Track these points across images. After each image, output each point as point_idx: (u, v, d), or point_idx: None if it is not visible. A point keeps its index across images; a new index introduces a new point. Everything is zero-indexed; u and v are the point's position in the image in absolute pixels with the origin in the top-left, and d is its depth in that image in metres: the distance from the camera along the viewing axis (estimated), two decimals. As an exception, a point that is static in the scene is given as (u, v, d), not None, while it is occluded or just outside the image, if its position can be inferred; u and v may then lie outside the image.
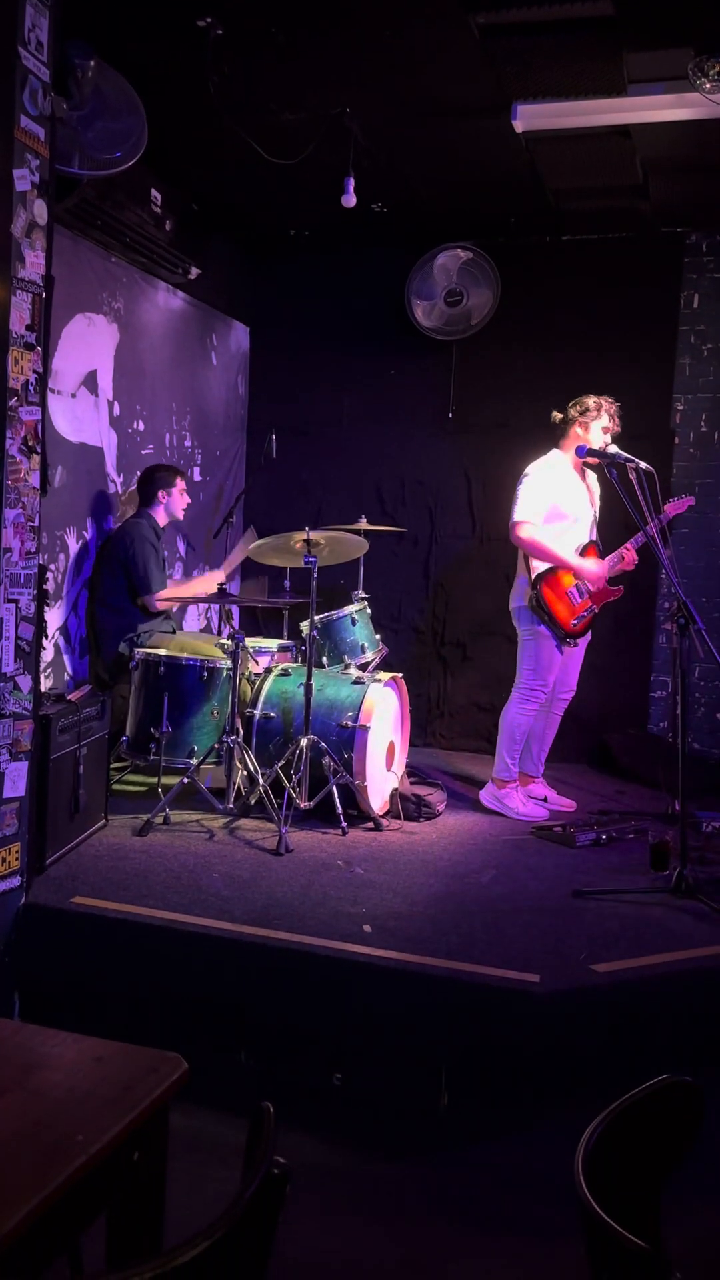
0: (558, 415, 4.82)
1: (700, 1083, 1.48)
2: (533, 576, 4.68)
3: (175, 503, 5.05)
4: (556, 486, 4.70)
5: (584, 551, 4.75)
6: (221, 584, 4.72)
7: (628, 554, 4.73)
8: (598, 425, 4.69)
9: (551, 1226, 2.50)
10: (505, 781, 4.82)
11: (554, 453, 4.79)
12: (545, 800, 5.00)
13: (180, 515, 5.13)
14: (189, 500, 5.16)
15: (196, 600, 5.23)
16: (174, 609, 5.16)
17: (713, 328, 5.78)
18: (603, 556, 4.79)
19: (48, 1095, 1.53)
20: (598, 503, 4.88)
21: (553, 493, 4.68)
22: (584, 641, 4.91)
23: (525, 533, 4.64)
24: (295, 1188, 1.31)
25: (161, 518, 5.03)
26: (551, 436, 4.87)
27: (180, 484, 5.07)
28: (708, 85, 3.74)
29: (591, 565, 4.68)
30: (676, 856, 3.80)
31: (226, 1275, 1.21)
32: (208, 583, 5.22)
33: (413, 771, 5.09)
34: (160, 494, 5.01)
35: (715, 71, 3.68)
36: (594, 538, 4.84)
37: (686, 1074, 1.48)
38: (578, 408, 4.75)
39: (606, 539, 4.91)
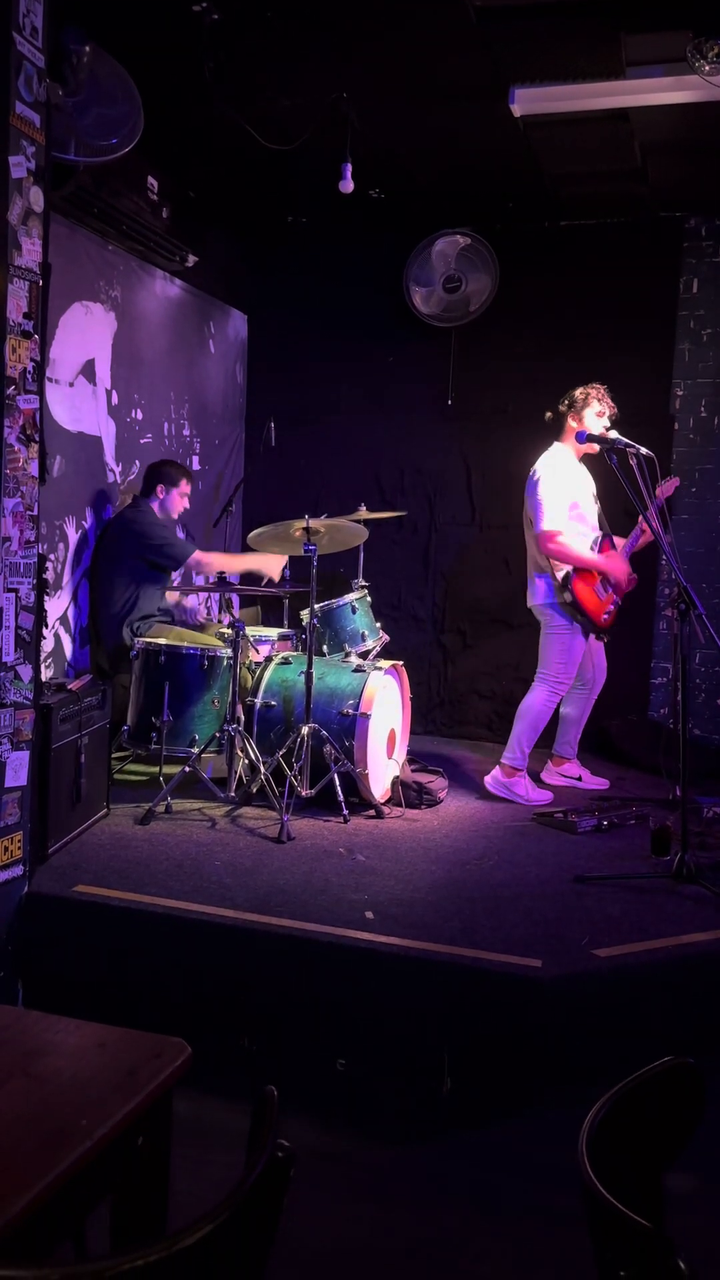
0: (550, 415, 4.83)
1: (702, 1065, 1.49)
2: (560, 577, 4.68)
3: (172, 502, 5.01)
4: (569, 482, 4.72)
5: (600, 546, 4.77)
6: (222, 574, 4.72)
7: (645, 530, 4.75)
8: (591, 413, 4.70)
9: (555, 1209, 2.51)
10: (514, 770, 4.82)
11: (556, 446, 4.80)
12: (579, 780, 5.10)
13: (174, 515, 5.09)
14: (187, 505, 5.13)
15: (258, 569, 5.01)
16: (210, 577, 4.87)
17: (712, 313, 5.76)
18: (614, 546, 4.81)
19: (52, 1081, 1.53)
20: (596, 494, 4.89)
21: (569, 490, 4.70)
22: None
23: (556, 544, 4.64)
24: (299, 1172, 1.32)
25: (157, 510, 5.02)
26: (550, 427, 4.87)
27: (184, 486, 5.02)
28: (706, 67, 3.72)
29: (617, 564, 4.70)
30: (677, 842, 3.80)
31: (231, 1258, 1.21)
32: (265, 560, 4.93)
33: (414, 759, 5.10)
34: (159, 488, 4.98)
35: (714, 53, 3.66)
36: (606, 530, 4.85)
37: (688, 1057, 1.48)
38: (566, 403, 4.77)
39: (608, 524, 4.92)
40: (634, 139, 4.63)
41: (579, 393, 4.74)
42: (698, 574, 5.76)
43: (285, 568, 5.08)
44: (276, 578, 5.00)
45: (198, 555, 4.84)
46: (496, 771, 4.88)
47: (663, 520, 4.33)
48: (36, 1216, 1.27)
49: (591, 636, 4.82)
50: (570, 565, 4.67)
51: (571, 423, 4.74)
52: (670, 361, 5.82)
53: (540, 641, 4.85)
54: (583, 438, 4.57)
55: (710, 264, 5.74)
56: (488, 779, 4.89)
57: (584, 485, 4.79)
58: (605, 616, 4.71)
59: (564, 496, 4.67)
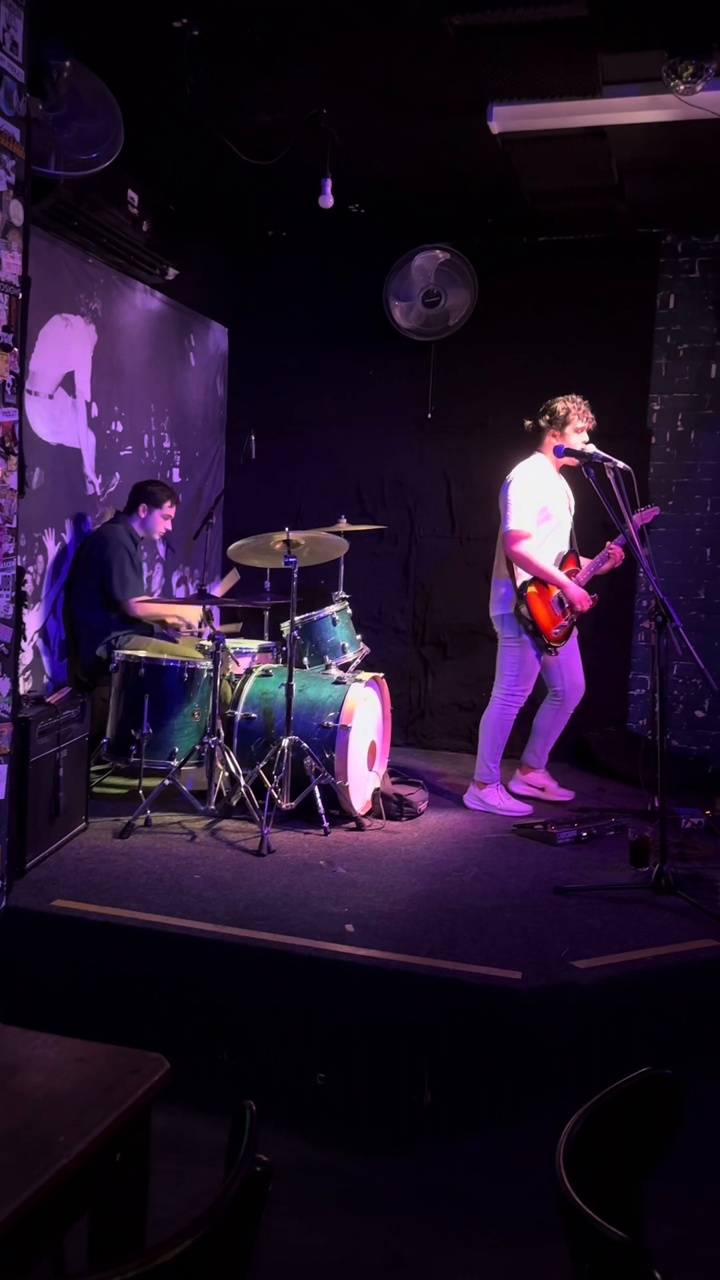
0: (529, 423, 4.85)
1: (680, 1076, 1.50)
2: (518, 585, 4.70)
3: (153, 522, 5.02)
4: (542, 488, 4.75)
5: (564, 561, 4.79)
6: (203, 588, 4.72)
7: (614, 551, 4.73)
8: (570, 429, 4.71)
9: (534, 1220, 2.51)
10: (484, 783, 4.86)
11: (536, 456, 4.83)
12: (544, 790, 5.07)
13: (156, 535, 5.12)
14: (169, 528, 5.14)
15: (177, 618, 5.18)
16: (152, 621, 5.10)
17: (688, 328, 5.82)
18: (579, 564, 4.83)
19: (29, 1097, 1.53)
20: (573, 508, 4.91)
21: (540, 494, 4.73)
22: (574, 637, 4.96)
23: (521, 547, 4.66)
24: (278, 1186, 1.32)
25: (138, 529, 5.02)
26: (528, 436, 4.90)
27: (168, 508, 5.03)
28: (681, 87, 3.77)
29: (573, 585, 4.70)
30: (656, 853, 3.82)
31: (209, 1273, 1.21)
32: (191, 611, 5.16)
33: (394, 771, 5.10)
34: (141, 507, 4.99)
35: (688, 73, 3.70)
36: (573, 546, 4.87)
37: (667, 1068, 1.49)
38: (547, 417, 4.77)
39: (584, 539, 4.94)
40: (611, 156, 4.68)
41: (560, 408, 4.74)
42: (674, 586, 5.80)
43: (203, 620, 5.15)
44: (196, 626, 5.13)
45: (133, 602, 4.86)
46: (471, 787, 4.93)
47: (640, 534, 4.35)
48: (14, 1233, 1.26)
49: (562, 648, 4.84)
50: (530, 574, 4.69)
51: (551, 437, 4.76)
52: (648, 376, 5.87)
53: (497, 654, 4.87)
54: (560, 451, 4.59)
55: (686, 280, 5.81)
56: (465, 796, 4.93)
57: (560, 497, 4.82)
58: (556, 632, 4.71)
59: (535, 501, 4.70)
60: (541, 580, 4.69)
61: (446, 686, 6.26)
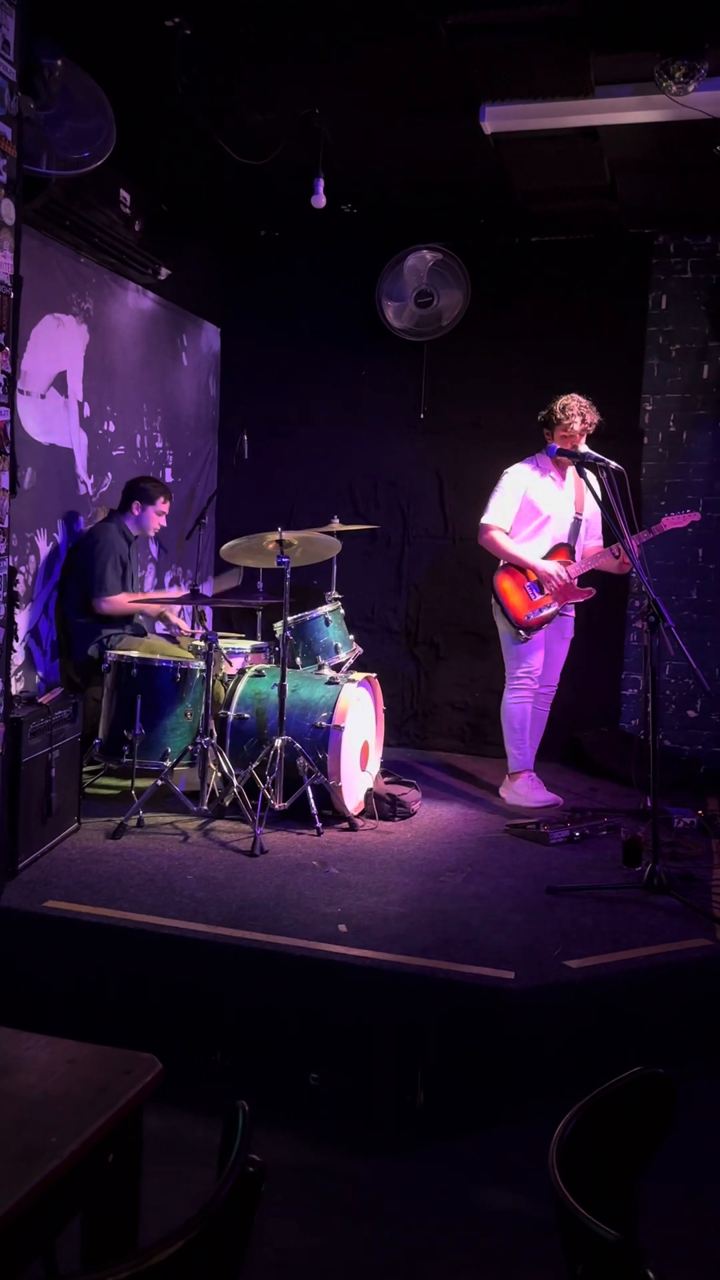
0: (542, 414, 4.87)
1: (673, 1075, 1.50)
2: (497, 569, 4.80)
3: (148, 519, 5.00)
4: (530, 484, 4.81)
5: (554, 552, 4.80)
6: (194, 586, 4.71)
7: (620, 553, 4.72)
8: (560, 430, 4.72)
9: (531, 1219, 2.51)
10: (516, 774, 4.90)
11: (538, 455, 4.87)
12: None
13: (150, 532, 5.09)
14: (164, 524, 5.12)
15: (157, 602, 5.16)
16: (134, 614, 5.06)
17: (680, 329, 5.83)
18: (572, 557, 4.84)
19: (21, 1098, 1.52)
20: (588, 505, 4.90)
21: (525, 490, 4.79)
22: (567, 637, 4.99)
23: (488, 536, 4.83)
24: (271, 1187, 1.31)
25: (133, 527, 5.01)
26: (521, 436, 4.91)
27: (161, 504, 5.01)
28: (673, 88, 3.77)
29: (551, 566, 4.73)
30: (648, 852, 3.83)
31: (202, 1275, 1.21)
32: (168, 597, 5.19)
33: (387, 771, 5.10)
34: (135, 504, 4.97)
35: (680, 74, 3.71)
36: (567, 540, 4.87)
37: (659, 1067, 1.49)
38: (545, 415, 4.80)
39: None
40: (603, 156, 4.68)
41: (558, 410, 4.74)
42: (667, 587, 5.81)
43: (182, 613, 5.25)
44: (172, 618, 5.22)
45: (102, 601, 4.79)
46: (505, 779, 5.00)
47: (633, 530, 4.33)
48: (6, 1234, 1.26)
49: (548, 643, 4.86)
50: (503, 560, 4.82)
51: (546, 437, 4.80)
52: (640, 376, 5.88)
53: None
54: (553, 452, 4.60)
55: (679, 280, 5.81)
56: (501, 789, 5.01)
57: (556, 494, 4.82)
58: (529, 617, 4.76)
59: (516, 494, 4.80)
60: (519, 566, 4.77)
61: (440, 686, 6.26)
